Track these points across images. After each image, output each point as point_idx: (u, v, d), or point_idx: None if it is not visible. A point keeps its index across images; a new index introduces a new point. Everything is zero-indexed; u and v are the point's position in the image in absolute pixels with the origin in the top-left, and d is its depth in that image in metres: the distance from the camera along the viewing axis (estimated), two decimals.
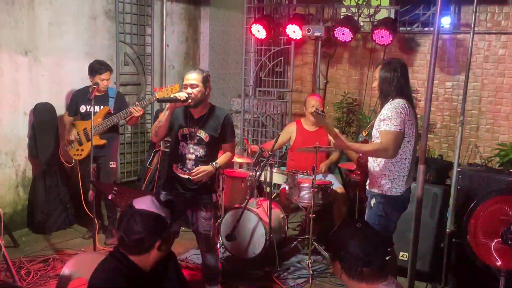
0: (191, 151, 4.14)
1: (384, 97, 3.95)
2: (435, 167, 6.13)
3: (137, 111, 5.33)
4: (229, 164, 6.02)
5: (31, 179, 6.10)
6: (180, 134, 4.17)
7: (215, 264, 4.39)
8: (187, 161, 4.16)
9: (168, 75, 7.43)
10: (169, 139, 4.51)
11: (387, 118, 3.79)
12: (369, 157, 4.04)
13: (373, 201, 3.94)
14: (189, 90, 4.05)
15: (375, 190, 3.94)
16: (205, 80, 4.12)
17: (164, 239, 2.46)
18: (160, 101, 4.27)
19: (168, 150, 6.06)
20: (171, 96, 4.08)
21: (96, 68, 5.59)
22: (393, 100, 3.87)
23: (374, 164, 3.96)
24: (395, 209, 3.94)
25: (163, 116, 4.09)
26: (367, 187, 4.07)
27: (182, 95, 4.02)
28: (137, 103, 5.48)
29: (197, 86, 4.06)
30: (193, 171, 4.09)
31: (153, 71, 7.38)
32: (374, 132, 3.92)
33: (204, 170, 4.09)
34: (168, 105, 4.08)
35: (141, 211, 2.45)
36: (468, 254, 4.37)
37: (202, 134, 4.13)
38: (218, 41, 8.60)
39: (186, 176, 4.14)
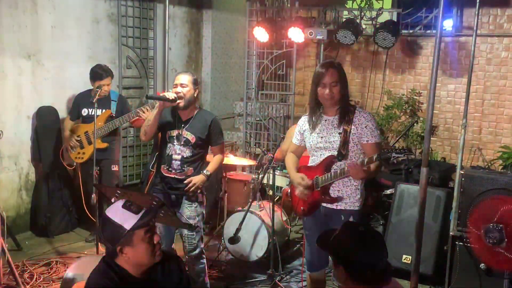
0: (178, 152, 4.20)
1: (346, 103, 3.69)
2: (438, 170, 6.12)
3: (144, 111, 5.32)
4: (231, 167, 6.04)
5: (34, 182, 6.10)
6: (168, 136, 4.23)
7: (201, 273, 4.33)
8: (173, 161, 4.21)
9: (171, 79, 7.39)
10: None
11: (375, 129, 3.65)
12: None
13: (351, 219, 3.68)
14: (179, 89, 4.12)
15: (352, 208, 3.70)
16: (195, 82, 4.20)
17: (124, 245, 2.48)
18: (149, 98, 4.32)
19: None
20: (160, 95, 4.14)
21: (98, 73, 5.60)
22: (356, 107, 3.72)
23: (351, 180, 3.69)
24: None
25: (152, 115, 4.15)
26: (332, 207, 3.72)
27: (171, 95, 4.09)
28: (141, 107, 5.48)
29: (186, 86, 4.13)
30: (186, 181, 4.16)
31: (155, 74, 7.39)
32: (352, 146, 3.62)
33: (196, 182, 4.16)
34: (157, 104, 4.13)
35: (105, 220, 2.52)
36: (472, 257, 4.37)
37: (189, 136, 4.18)
38: (221, 44, 8.61)
39: (172, 176, 4.22)
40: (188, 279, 2.85)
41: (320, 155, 3.73)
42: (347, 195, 3.71)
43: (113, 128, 5.55)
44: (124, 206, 2.52)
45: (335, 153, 3.65)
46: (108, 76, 5.65)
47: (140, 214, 2.51)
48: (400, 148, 3.29)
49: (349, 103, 3.71)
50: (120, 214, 2.50)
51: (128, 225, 2.47)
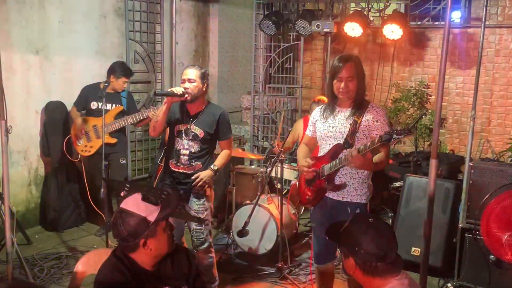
0: (186, 146, 4.17)
1: (361, 99, 3.71)
2: (447, 162, 6.11)
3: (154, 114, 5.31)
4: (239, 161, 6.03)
5: (43, 177, 6.14)
6: (176, 130, 4.21)
7: (210, 267, 4.33)
8: (181, 156, 4.18)
9: (178, 73, 7.43)
10: None
11: (385, 124, 3.67)
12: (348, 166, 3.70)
13: (357, 212, 3.68)
14: (186, 84, 4.08)
15: (358, 200, 3.70)
16: (203, 76, 4.13)
17: (148, 237, 2.48)
18: (157, 95, 4.30)
19: None
20: (168, 90, 4.11)
21: (125, 71, 5.70)
22: (370, 102, 3.75)
23: (358, 171, 3.70)
24: None
25: (160, 111, 4.13)
26: (339, 199, 3.73)
27: (179, 89, 4.05)
28: (153, 107, 5.48)
29: (194, 81, 4.08)
30: (193, 177, 4.13)
31: (163, 68, 7.40)
32: (360, 137, 3.63)
33: (203, 178, 4.13)
34: (165, 99, 4.11)
35: (124, 212, 2.50)
36: (481, 249, 4.36)
37: (197, 130, 4.15)
38: (227, 38, 8.61)
39: (181, 171, 4.19)
40: (197, 269, 2.86)
41: (329, 144, 3.73)
42: (354, 187, 3.70)
43: (124, 125, 5.57)
44: (144, 199, 2.53)
45: (343, 141, 3.66)
46: (132, 75, 5.80)
47: (159, 205, 2.52)
48: (400, 129, 3.29)
49: (364, 97, 3.72)
50: (142, 207, 2.50)
51: (152, 217, 2.47)
